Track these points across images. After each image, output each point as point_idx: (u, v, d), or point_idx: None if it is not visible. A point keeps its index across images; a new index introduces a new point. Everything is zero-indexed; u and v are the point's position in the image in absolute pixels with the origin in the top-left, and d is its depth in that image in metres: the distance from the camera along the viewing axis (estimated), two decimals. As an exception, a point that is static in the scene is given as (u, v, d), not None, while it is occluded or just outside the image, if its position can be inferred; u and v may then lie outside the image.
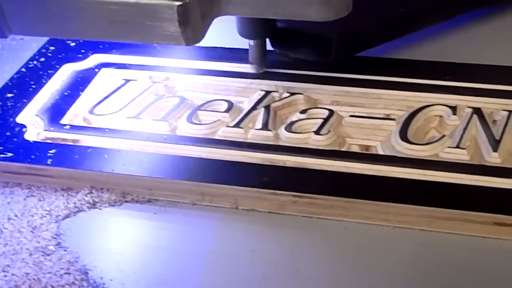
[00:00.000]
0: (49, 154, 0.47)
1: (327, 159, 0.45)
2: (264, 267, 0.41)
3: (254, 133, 0.48)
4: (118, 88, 0.54)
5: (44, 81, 0.55)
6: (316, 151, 0.46)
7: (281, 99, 0.51)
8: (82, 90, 0.54)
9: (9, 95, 0.54)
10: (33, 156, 0.47)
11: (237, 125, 0.49)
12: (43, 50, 0.59)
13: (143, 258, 0.42)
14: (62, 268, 0.41)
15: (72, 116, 0.51)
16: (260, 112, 0.50)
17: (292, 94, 0.51)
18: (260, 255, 0.41)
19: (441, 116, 0.48)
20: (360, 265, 0.40)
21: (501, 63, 0.53)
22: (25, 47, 0.61)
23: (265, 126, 0.48)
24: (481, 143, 0.46)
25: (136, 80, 0.54)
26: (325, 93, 0.51)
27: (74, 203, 0.45)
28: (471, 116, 0.48)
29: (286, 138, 0.48)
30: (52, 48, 0.59)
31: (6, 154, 0.48)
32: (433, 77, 0.51)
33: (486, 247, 0.41)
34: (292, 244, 0.42)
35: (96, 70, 0.56)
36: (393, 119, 0.48)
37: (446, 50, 0.57)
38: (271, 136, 0.48)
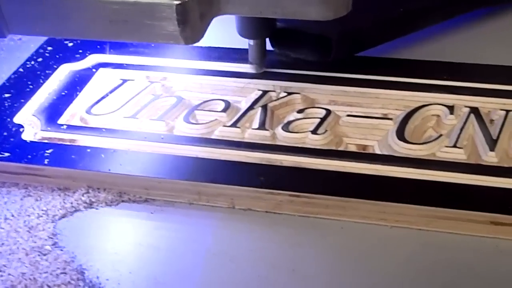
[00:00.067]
0: (46, 154, 0.47)
1: (324, 158, 0.45)
2: (260, 266, 0.41)
3: (251, 133, 0.48)
4: (116, 88, 0.54)
5: (41, 81, 0.55)
6: (313, 150, 0.46)
7: (278, 99, 0.51)
8: (80, 90, 0.54)
9: (7, 95, 0.54)
10: (30, 156, 0.47)
11: (234, 124, 0.49)
12: (41, 50, 0.59)
13: (139, 257, 0.42)
14: (58, 268, 0.41)
15: (69, 116, 0.51)
16: (257, 112, 0.50)
17: (289, 93, 0.51)
18: (257, 254, 0.41)
19: (438, 116, 0.48)
20: (357, 264, 0.40)
21: (499, 63, 0.53)
22: (23, 47, 0.61)
23: (262, 126, 0.48)
24: (478, 142, 0.46)
25: (133, 80, 0.54)
26: (322, 93, 0.51)
27: (71, 203, 0.45)
28: (468, 116, 0.48)
29: (283, 137, 0.48)
30: (49, 48, 0.59)
31: (3, 154, 0.48)
32: (430, 76, 0.51)
33: (483, 246, 0.41)
34: (289, 243, 0.42)
35: (94, 70, 0.56)
36: (390, 119, 0.48)
37: (444, 50, 0.57)
38: (268, 135, 0.48)
